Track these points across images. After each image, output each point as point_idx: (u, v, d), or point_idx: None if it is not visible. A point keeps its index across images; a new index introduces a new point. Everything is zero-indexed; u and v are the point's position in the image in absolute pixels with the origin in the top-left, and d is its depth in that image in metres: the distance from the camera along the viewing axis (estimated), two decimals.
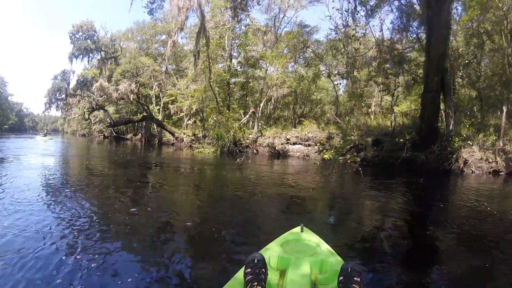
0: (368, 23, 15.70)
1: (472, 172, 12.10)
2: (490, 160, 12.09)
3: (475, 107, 16.94)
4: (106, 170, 9.98)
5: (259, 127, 20.63)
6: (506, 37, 13.05)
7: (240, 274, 1.92)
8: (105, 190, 6.36)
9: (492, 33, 13.82)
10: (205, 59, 19.93)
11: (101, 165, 11.09)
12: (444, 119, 13.86)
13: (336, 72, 22.19)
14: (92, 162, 11.94)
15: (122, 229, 3.84)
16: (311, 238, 2.51)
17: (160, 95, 27.92)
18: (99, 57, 32.26)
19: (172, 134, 24.78)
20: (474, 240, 4.11)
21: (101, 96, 27.33)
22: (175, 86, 26.73)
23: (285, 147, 18.62)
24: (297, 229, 2.65)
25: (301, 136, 18.85)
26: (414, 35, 15.56)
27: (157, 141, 27.05)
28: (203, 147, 18.66)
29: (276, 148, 18.61)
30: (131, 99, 25.50)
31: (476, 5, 13.14)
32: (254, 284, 1.73)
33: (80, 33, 30.21)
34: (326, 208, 6.19)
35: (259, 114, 21.40)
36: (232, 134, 18.36)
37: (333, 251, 2.35)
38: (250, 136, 20.12)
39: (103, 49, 31.59)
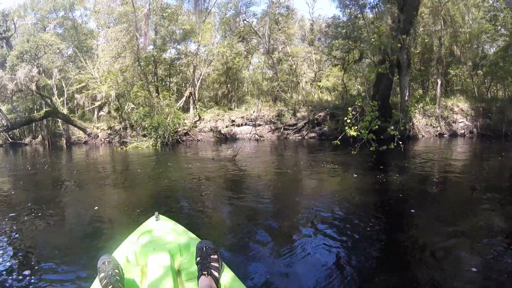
0: None
1: (422, 136, 14.25)
2: (433, 125, 14.55)
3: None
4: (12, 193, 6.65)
5: (197, 111, 18.05)
6: (441, 21, 15.23)
7: (97, 281, 1.68)
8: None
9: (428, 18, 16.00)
10: (124, 32, 16.44)
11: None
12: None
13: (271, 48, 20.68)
14: None
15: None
16: (166, 225, 2.30)
17: (63, 84, 22.68)
18: None
19: (84, 130, 20.57)
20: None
21: None
22: (81, 70, 21.92)
23: (231, 130, 16.56)
24: (152, 218, 2.38)
25: (246, 116, 16.98)
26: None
27: (64, 142, 21.99)
28: (137, 140, 15.41)
29: (222, 132, 16.41)
30: (33, 89, 20.15)
31: None
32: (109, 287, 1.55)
33: None
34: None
35: (196, 96, 18.74)
36: (171, 120, 15.50)
37: (191, 232, 2.21)
38: (186, 121, 17.45)
39: None
